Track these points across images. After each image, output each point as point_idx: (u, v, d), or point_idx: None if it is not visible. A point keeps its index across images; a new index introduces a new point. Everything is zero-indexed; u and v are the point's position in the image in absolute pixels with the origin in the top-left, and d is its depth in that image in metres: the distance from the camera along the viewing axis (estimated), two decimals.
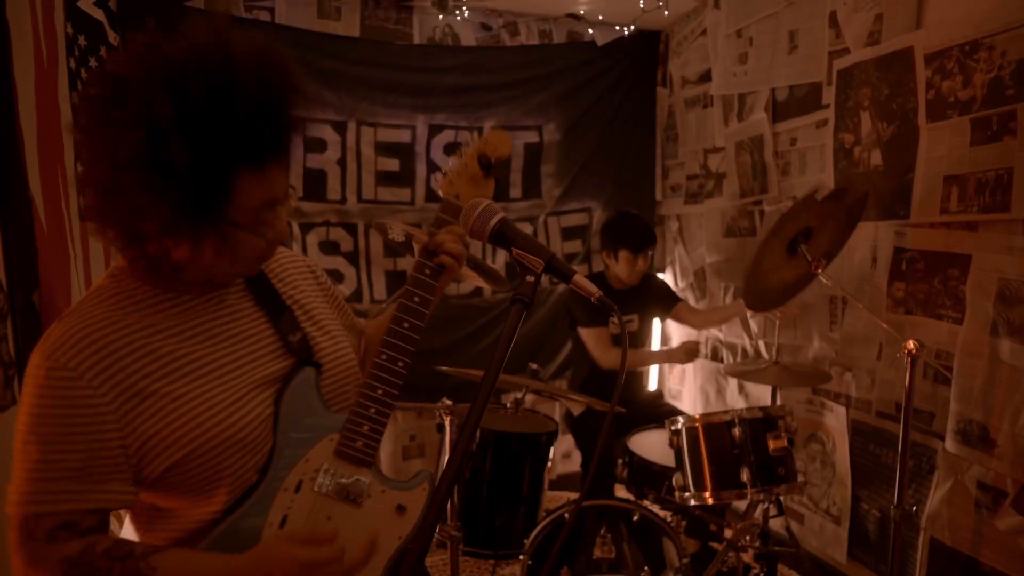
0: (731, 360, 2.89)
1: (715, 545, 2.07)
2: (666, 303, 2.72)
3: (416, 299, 0.99)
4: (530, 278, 0.82)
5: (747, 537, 1.82)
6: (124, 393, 0.80)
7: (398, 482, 0.98)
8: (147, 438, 0.81)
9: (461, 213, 0.89)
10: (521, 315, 0.80)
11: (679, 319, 2.75)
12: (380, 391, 0.94)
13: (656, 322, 2.97)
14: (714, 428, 1.75)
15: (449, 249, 1.02)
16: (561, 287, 2.92)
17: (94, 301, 0.84)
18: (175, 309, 0.87)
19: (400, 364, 0.95)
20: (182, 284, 0.87)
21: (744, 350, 2.81)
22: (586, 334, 2.51)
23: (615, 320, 2.57)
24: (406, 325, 0.97)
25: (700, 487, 1.75)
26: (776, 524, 2.44)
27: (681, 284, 3.22)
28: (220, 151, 0.72)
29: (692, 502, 1.77)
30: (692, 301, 3.13)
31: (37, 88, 1.59)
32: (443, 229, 1.04)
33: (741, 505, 2.14)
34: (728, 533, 1.88)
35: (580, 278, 0.83)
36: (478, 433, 2.02)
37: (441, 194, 1.10)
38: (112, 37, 2.21)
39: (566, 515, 1.90)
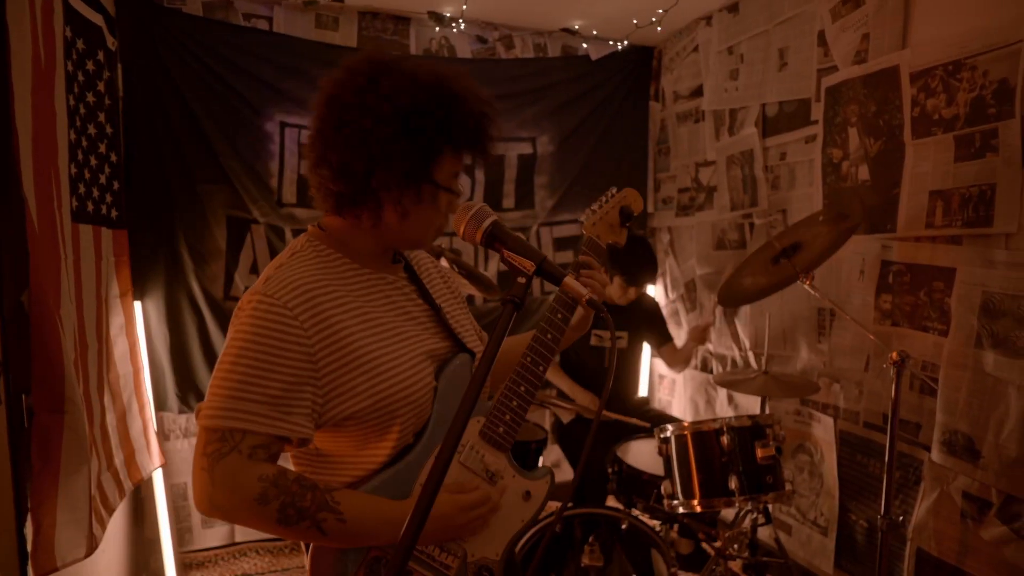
0: (720, 370, 2.91)
1: (707, 546, 2.06)
2: (659, 336, 2.76)
3: (559, 316, 1.13)
4: (521, 279, 0.84)
5: (735, 546, 1.83)
6: (325, 339, 0.91)
7: (526, 471, 1.09)
8: (338, 384, 0.92)
9: (460, 217, 0.91)
10: (512, 315, 0.81)
11: (662, 356, 2.80)
12: (522, 388, 1.05)
13: (646, 346, 2.96)
14: (703, 436, 1.76)
15: (592, 288, 1.17)
16: (552, 296, 2.93)
17: (299, 260, 0.97)
18: (359, 279, 1.00)
19: (541, 368, 1.07)
20: (365, 253, 1.02)
21: (733, 360, 2.83)
22: None
23: (598, 333, 2.62)
24: (549, 336, 1.10)
25: (688, 495, 1.76)
26: (765, 535, 2.44)
27: (671, 296, 3.24)
28: (435, 133, 0.93)
29: (680, 509, 1.77)
30: (682, 313, 3.15)
31: (34, 90, 1.60)
32: (591, 273, 1.20)
33: (730, 514, 2.15)
34: (718, 543, 1.88)
35: (571, 280, 0.85)
36: None
37: (585, 233, 1.30)
38: (111, 42, 2.23)
39: (557, 527, 1.90)
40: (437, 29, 2.86)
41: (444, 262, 2.15)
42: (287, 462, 1.02)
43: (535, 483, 1.08)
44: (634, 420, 2.16)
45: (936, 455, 1.90)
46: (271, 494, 0.86)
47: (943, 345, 1.89)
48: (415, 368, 0.98)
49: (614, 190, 1.33)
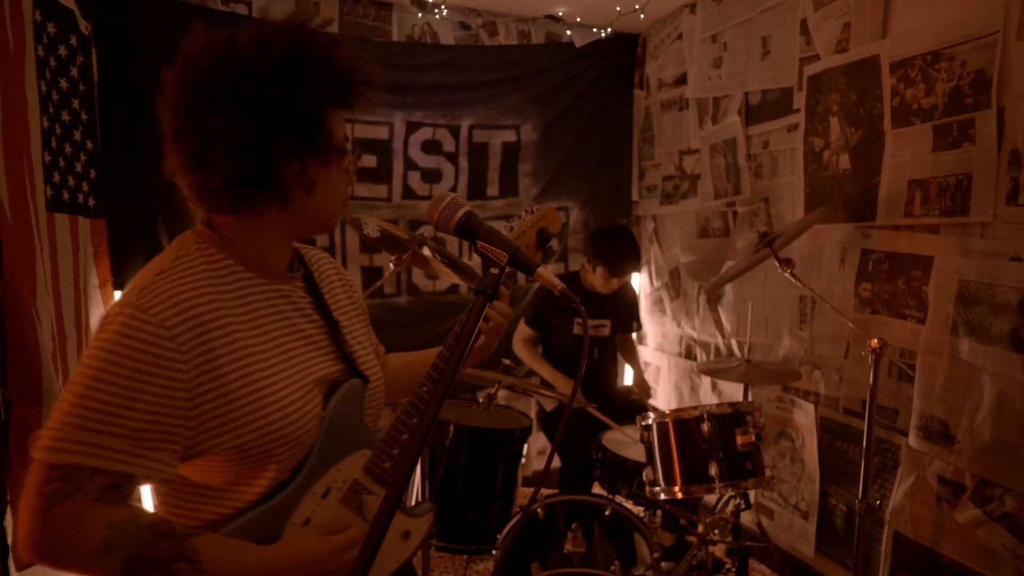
0: (704, 358, 2.93)
1: (691, 539, 2.09)
2: (628, 323, 2.79)
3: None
4: (494, 270, 0.83)
5: (716, 531, 1.85)
6: (203, 366, 0.80)
7: (408, 508, 1.03)
8: (214, 417, 0.81)
9: (428, 205, 0.89)
10: (484, 305, 0.81)
11: (620, 342, 2.83)
12: (415, 420, 0.96)
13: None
14: (684, 423, 1.77)
15: (492, 320, 1.07)
16: (537, 284, 2.93)
17: (184, 267, 0.84)
18: (252, 292, 0.89)
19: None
20: (257, 258, 0.90)
21: (717, 348, 2.85)
22: (519, 325, 2.64)
23: (580, 321, 2.62)
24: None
25: (670, 481, 1.78)
26: (748, 520, 2.48)
27: (656, 284, 3.26)
28: (316, 93, 0.84)
29: (662, 496, 1.79)
30: (667, 300, 3.17)
31: (2, 77, 1.56)
32: (497, 305, 1.08)
33: (712, 500, 2.18)
34: (701, 528, 1.91)
35: (543, 270, 0.84)
36: (451, 428, 2.03)
37: None
38: (83, 26, 2.18)
39: (539, 511, 1.92)
40: (420, 15, 2.82)
41: (427, 251, 2.14)
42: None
43: (415, 521, 1.03)
44: (607, 419, 2.18)
45: (913, 440, 1.94)
46: (117, 543, 0.74)
47: (920, 332, 1.91)
48: (301, 400, 0.89)
49: (534, 207, 1.23)
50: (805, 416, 2.37)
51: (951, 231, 1.82)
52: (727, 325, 2.76)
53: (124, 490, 0.78)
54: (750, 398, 2.30)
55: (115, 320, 0.77)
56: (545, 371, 2.58)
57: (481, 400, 2.00)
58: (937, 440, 1.87)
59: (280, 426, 0.86)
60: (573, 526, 1.84)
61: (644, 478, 1.84)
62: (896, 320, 2.00)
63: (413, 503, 1.07)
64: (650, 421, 1.83)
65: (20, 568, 1.52)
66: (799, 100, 2.32)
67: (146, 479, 0.79)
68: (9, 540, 1.50)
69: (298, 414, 0.88)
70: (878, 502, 1.89)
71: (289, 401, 0.87)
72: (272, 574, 0.84)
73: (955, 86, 1.78)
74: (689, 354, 3.05)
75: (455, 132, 2.97)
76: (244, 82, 0.79)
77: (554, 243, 3.25)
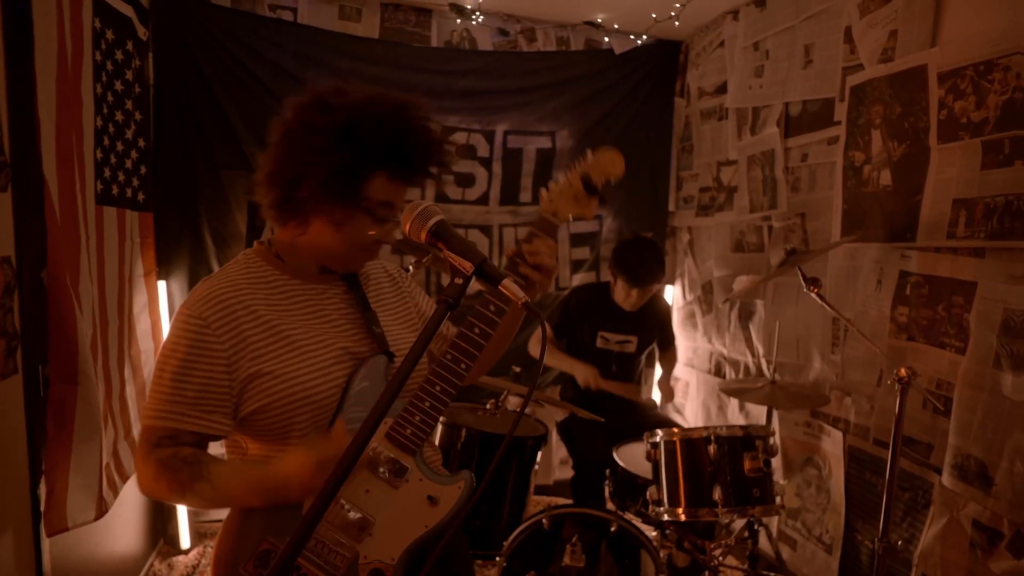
0: (733, 376, 2.83)
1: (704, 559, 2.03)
2: (662, 339, 2.74)
3: (492, 308, 1.02)
4: (458, 280, 0.84)
5: (721, 556, 1.79)
6: (237, 344, 0.99)
7: (438, 475, 1.05)
8: (246, 382, 1.00)
9: (403, 213, 0.91)
10: (445, 315, 0.81)
11: (660, 359, 2.80)
12: (438, 387, 1.00)
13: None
14: (691, 444, 1.72)
15: (542, 263, 1.06)
16: (564, 294, 2.90)
17: (231, 270, 1.06)
18: (285, 290, 1.07)
19: (462, 366, 1.00)
20: (298, 268, 1.08)
21: (747, 367, 2.75)
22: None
23: (604, 335, 2.59)
24: (476, 331, 1.01)
25: (674, 503, 1.73)
26: (768, 548, 2.38)
27: (688, 297, 3.17)
28: (367, 152, 0.98)
29: (666, 517, 1.75)
30: (698, 315, 3.08)
31: (59, 79, 1.69)
32: (537, 242, 1.06)
33: (735, 526, 2.10)
34: (706, 555, 1.85)
35: (509, 283, 0.84)
36: (464, 432, 2.04)
37: (540, 211, 1.11)
38: (141, 32, 2.32)
39: (544, 520, 1.90)
40: (459, 21, 2.86)
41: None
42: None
43: (444, 488, 1.02)
44: (594, 416, 2.14)
45: (947, 479, 1.81)
46: (160, 473, 0.97)
47: (959, 363, 1.78)
48: (322, 371, 1.03)
49: (589, 154, 1.14)
50: (833, 444, 2.25)
51: (997, 256, 1.69)
52: (758, 344, 2.66)
53: (181, 440, 0.99)
54: (775, 421, 2.21)
55: (176, 318, 1.02)
56: (564, 363, 2.56)
57: (488, 406, 2.01)
58: (973, 481, 1.74)
59: (295, 389, 1.00)
60: (573, 539, 1.81)
61: (648, 497, 1.79)
62: (933, 348, 1.87)
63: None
64: (658, 439, 1.79)
65: (50, 535, 1.64)
66: (840, 112, 2.21)
67: (206, 434, 1.00)
68: (42, 508, 1.61)
69: (314, 381, 1.01)
70: (900, 542, 1.77)
71: (306, 371, 1.02)
72: (269, 485, 0.97)
73: (1008, 99, 1.66)
74: (718, 371, 2.95)
75: (490, 137, 2.99)
76: (303, 128, 0.98)
77: (601, 238, 3.22)
